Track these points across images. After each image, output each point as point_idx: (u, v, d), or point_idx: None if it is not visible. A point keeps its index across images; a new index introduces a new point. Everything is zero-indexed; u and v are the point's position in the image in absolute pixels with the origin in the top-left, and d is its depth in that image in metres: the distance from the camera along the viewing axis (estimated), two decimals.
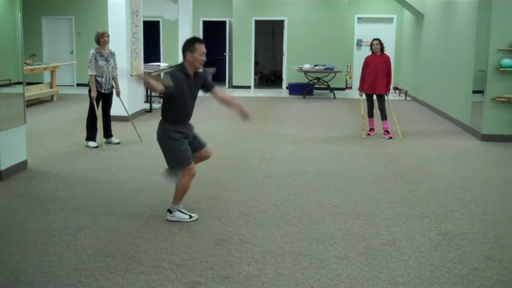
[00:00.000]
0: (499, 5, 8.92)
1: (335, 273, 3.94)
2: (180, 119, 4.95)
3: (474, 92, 9.83)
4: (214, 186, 6.25)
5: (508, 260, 4.22)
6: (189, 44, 4.93)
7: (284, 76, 18.17)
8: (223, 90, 5.35)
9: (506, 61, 8.88)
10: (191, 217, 5.05)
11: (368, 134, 9.62)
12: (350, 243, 4.52)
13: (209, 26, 18.94)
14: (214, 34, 19.25)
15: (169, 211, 5.08)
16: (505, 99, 8.95)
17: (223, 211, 5.33)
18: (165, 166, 5.13)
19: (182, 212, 5.08)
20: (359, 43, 18.02)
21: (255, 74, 18.63)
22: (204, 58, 4.93)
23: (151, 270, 3.95)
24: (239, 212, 5.31)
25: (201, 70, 5.10)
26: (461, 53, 10.76)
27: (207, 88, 5.14)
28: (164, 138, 4.90)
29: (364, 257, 4.24)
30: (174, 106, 4.86)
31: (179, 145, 4.87)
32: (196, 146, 5.14)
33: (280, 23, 18.13)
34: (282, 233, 4.73)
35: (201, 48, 4.93)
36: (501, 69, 8.90)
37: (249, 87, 18.15)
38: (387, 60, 9.56)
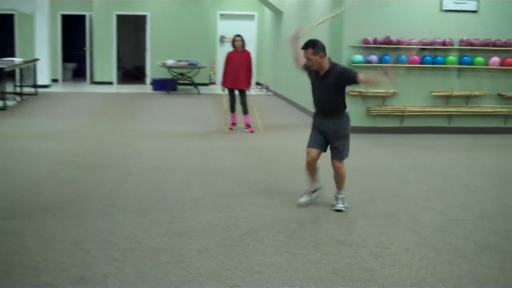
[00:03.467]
0: (350, 4, 9.42)
1: (194, 266, 3.98)
2: (316, 111, 5.51)
3: None
4: (72, 184, 6.06)
5: (357, 244, 4.48)
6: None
7: (148, 72, 17.96)
8: (364, 74, 5.39)
9: (357, 57, 9.42)
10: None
11: (230, 129, 9.78)
12: (210, 236, 4.58)
13: (68, 20, 18.22)
14: (74, 28, 18.59)
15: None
16: (357, 93, 9.48)
17: (81, 210, 5.18)
18: None
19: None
20: (222, 39, 18.23)
21: (117, 69, 18.22)
22: (310, 63, 5.23)
23: (2, 276, 3.75)
24: (98, 210, 5.19)
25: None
26: None
27: (347, 82, 5.26)
28: None
29: (223, 248, 4.32)
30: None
31: (311, 131, 5.55)
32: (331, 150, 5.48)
33: (143, 18, 17.87)
34: (142, 230, 4.69)
35: (304, 53, 5.21)
36: (353, 64, 9.41)
37: (111, 83, 17.72)
38: (248, 56, 9.78)
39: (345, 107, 5.40)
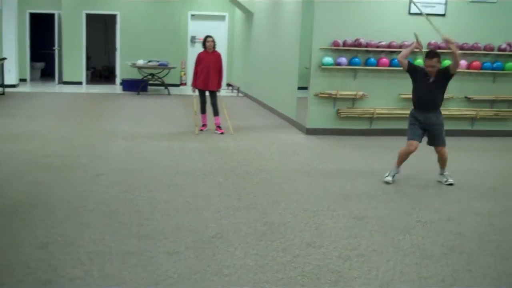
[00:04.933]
0: (320, 6, 9.50)
1: (163, 268, 3.96)
2: (418, 108, 6.62)
3: (300, 88, 10.38)
4: (39, 186, 5.97)
5: (327, 246, 4.52)
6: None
7: (118, 72, 17.81)
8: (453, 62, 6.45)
9: (327, 59, 9.49)
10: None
11: (201, 130, 9.76)
12: (179, 238, 4.57)
13: (36, 19, 17.98)
14: (42, 27, 18.36)
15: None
16: (327, 95, 9.56)
17: (48, 212, 5.11)
18: None
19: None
20: (193, 39, 18.19)
21: (87, 69, 18.05)
22: (429, 69, 6.43)
23: None
24: (66, 212, 5.13)
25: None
26: (287, 51, 11.29)
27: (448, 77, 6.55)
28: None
29: (192, 251, 4.31)
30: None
31: (409, 125, 6.69)
32: (432, 140, 6.66)
33: (113, 17, 17.72)
34: (110, 232, 4.65)
35: (427, 62, 6.43)
36: (323, 66, 9.48)
37: (80, 83, 17.54)
38: (219, 57, 9.77)
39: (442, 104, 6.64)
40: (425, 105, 6.54)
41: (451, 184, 6.59)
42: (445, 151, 6.68)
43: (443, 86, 6.54)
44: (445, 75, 6.48)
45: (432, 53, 6.50)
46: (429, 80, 6.47)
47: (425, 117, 6.53)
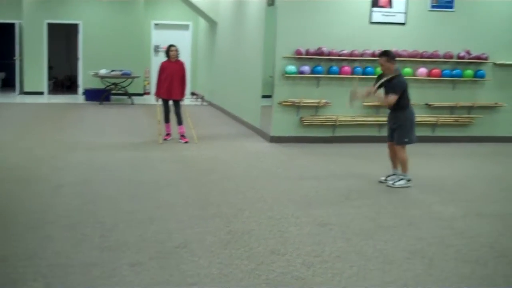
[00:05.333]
0: (283, 15, 9.57)
1: (127, 280, 3.93)
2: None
3: (264, 96, 10.41)
4: (0, 198, 5.87)
5: (291, 253, 4.54)
6: None
7: (80, 82, 17.61)
8: (386, 97, 6.89)
9: (290, 68, 9.56)
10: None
11: (165, 139, 9.71)
12: (143, 249, 4.53)
13: None
14: (3, 36, 18.05)
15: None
16: (290, 103, 9.62)
17: (8, 224, 5.02)
18: None
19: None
20: (157, 49, 18.11)
21: (49, 79, 17.78)
22: (381, 68, 6.93)
23: None
24: (26, 225, 5.04)
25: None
26: (251, 60, 11.33)
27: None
28: None
29: (156, 261, 4.28)
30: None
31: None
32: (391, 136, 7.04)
33: (75, 26, 17.52)
34: (72, 244, 4.59)
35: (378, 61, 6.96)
36: (286, 75, 9.55)
37: (42, 93, 17.26)
38: (182, 66, 9.75)
39: (401, 107, 6.87)
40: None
41: (385, 183, 6.95)
42: (400, 151, 6.89)
43: (391, 90, 6.79)
44: (392, 85, 6.77)
45: (381, 53, 6.92)
46: (387, 82, 6.84)
47: (389, 116, 7.06)
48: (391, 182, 6.93)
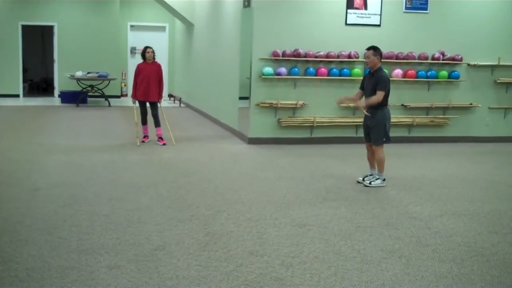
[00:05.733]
0: (259, 17, 9.58)
1: (104, 283, 3.90)
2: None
3: (241, 98, 10.42)
4: None
5: (269, 254, 4.55)
6: None
7: (56, 84, 17.44)
8: (369, 97, 6.93)
9: (267, 69, 9.58)
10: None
11: (143, 141, 9.67)
12: (121, 252, 4.51)
13: None
14: None
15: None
16: (268, 105, 9.64)
17: None
18: None
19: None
20: (133, 50, 18.04)
21: (24, 81, 17.58)
22: (366, 60, 6.99)
23: None
24: (3, 229, 4.98)
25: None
26: (228, 61, 11.33)
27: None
28: None
29: (134, 264, 4.26)
30: None
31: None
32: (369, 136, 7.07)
33: (50, 28, 17.36)
34: (49, 248, 4.54)
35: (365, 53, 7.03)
36: (263, 76, 9.57)
37: (17, 96, 17.07)
38: (159, 67, 9.71)
39: (381, 105, 6.87)
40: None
41: (363, 183, 7.01)
42: (378, 151, 6.97)
43: (376, 88, 6.83)
44: (378, 80, 6.83)
45: (369, 47, 6.99)
46: (368, 77, 7.04)
47: (366, 115, 7.05)
48: (367, 181, 6.99)
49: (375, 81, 6.85)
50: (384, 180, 7.00)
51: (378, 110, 6.90)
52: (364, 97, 7.11)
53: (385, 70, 9.90)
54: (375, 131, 6.94)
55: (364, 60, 7.13)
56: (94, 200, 6.01)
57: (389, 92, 6.92)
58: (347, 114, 10.17)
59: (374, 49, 6.90)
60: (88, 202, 5.92)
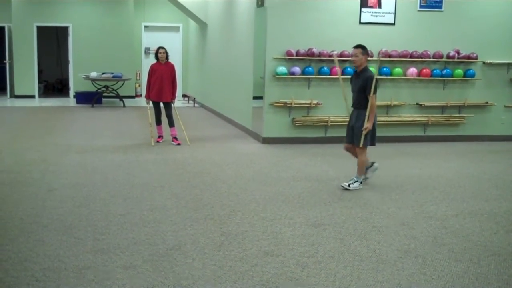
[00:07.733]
0: (273, 16, 9.57)
1: (120, 283, 3.92)
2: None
3: (255, 98, 10.42)
4: None
5: (284, 254, 4.55)
6: None
7: (71, 85, 17.55)
8: (373, 100, 6.61)
9: (281, 69, 9.56)
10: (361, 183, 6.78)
11: (157, 141, 9.70)
12: (136, 251, 4.52)
13: None
14: None
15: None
16: (282, 104, 9.63)
17: (1, 229, 4.99)
18: None
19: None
20: (147, 51, 18.10)
21: (39, 82, 17.72)
22: (352, 58, 6.73)
23: None
24: (19, 229, 5.02)
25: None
26: (241, 61, 11.34)
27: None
28: None
29: (150, 264, 4.28)
30: None
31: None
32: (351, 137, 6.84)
33: (65, 29, 17.48)
34: (65, 247, 4.57)
35: (352, 51, 6.76)
36: (277, 76, 9.56)
37: (33, 97, 17.21)
38: (172, 68, 9.73)
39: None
40: (352, 102, 6.88)
41: (343, 187, 6.72)
42: (361, 153, 6.73)
43: (362, 88, 6.60)
44: (366, 81, 6.55)
45: (357, 45, 6.76)
46: (354, 78, 6.84)
47: (351, 115, 6.89)
48: (346, 183, 6.75)
49: (362, 82, 6.58)
50: (361, 183, 6.77)
51: (366, 112, 6.62)
52: (352, 98, 6.85)
53: (398, 69, 9.97)
54: (360, 131, 6.64)
55: (351, 58, 6.89)
56: (110, 200, 6.04)
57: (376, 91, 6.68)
58: None
59: (362, 47, 6.67)
60: (103, 202, 5.95)
